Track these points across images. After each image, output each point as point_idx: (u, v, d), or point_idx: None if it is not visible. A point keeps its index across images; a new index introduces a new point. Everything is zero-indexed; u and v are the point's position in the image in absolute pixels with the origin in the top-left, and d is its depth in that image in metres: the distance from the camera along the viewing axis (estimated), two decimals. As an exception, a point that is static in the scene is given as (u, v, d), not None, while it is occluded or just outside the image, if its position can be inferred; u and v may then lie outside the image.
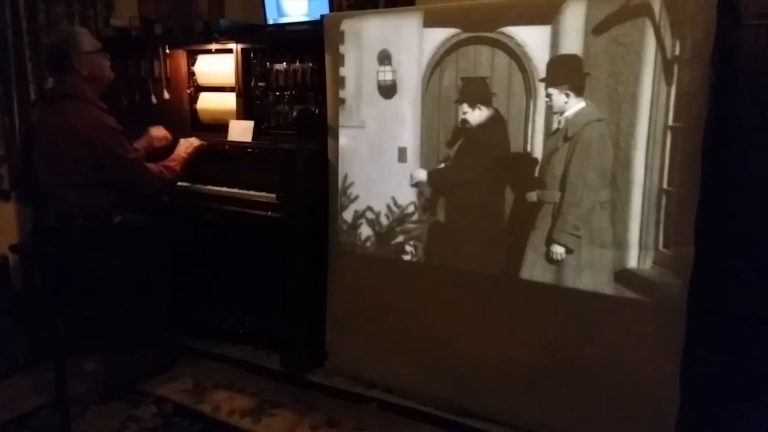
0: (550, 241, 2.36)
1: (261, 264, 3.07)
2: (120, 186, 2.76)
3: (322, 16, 2.80)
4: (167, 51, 3.33)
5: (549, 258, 2.37)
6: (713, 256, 2.13)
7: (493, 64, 2.40)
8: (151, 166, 2.82)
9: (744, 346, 2.22)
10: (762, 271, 2.18)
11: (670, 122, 2.11)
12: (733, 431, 2.25)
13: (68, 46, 2.67)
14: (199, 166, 3.09)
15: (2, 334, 2.99)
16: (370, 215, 2.77)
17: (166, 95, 3.35)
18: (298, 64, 3.01)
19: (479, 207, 2.51)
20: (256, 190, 2.95)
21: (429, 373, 2.65)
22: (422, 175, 2.63)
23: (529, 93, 2.35)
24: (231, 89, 3.20)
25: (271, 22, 3.18)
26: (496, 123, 2.43)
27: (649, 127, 2.13)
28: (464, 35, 2.45)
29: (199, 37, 3.19)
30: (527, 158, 2.37)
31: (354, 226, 2.82)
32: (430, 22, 2.52)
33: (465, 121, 2.50)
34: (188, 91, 3.37)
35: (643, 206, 2.18)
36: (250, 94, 3.17)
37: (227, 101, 3.22)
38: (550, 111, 2.31)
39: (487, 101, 2.44)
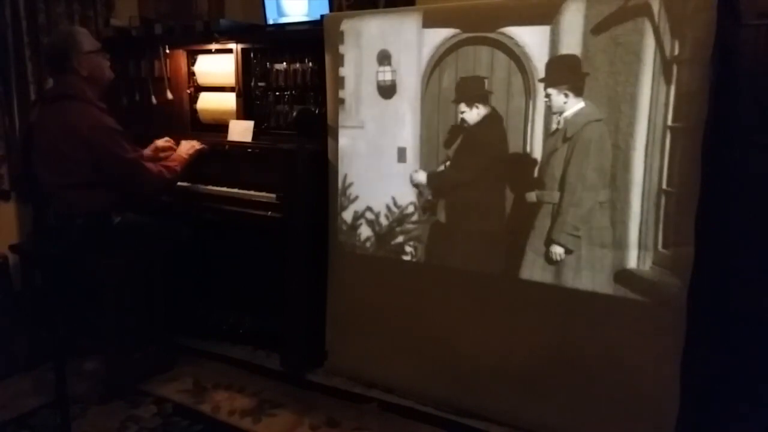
0: (549, 242, 2.36)
1: (261, 264, 3.07)
2: (120, 186, 2.76)
3: (322, 16, 2.80)
4: (167, 51, 3.33)
5: (548, 258, 2.37)
6: (713, 256, 2.13)
7: (493, 65, 2.40)
8: (150, 166, 2.82)
9: (744, 346, 2.22)
10: (762, 271, 2.18)
11: (670, 122, 2.11)
12: (733, 431, 2.25)
13: (68, 46, 2.67)
14: (199, 166, 3.09)
15: (2, 334, 2.99)
16: (369, 215, 2.77)
17: (170, 95, 3.35)
18: (298, 64, 3.01)
19: (479, 207, 2.51)
20: (256, 190, 2.95)
21: (429, 373, 2.65)
22: (422, 177, 2.63)
23: (529, 93, 2.35)
24: (231, 89, 3.19)
25: (271, 22, 3.18)
26: (494, 121, 2.43)
27: (649, 127, 2.13)
28: (464, 35, 2.45)
29: (199, 37, 3.19)
30: (526, 158, 2.37)
31: (354, 226, 2.82)
32: (429, 22, 2.52)
33: (463, 121, 2.50)
34: (188, 91, 3.37)
35: (642, 206, 2.18)
36: (250, 94, 3.17)
37: (227, 101, 3.22)
38: (549, 111, 2.31)
39: (484, 100, 2.44)
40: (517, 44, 2.34)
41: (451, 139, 2.54)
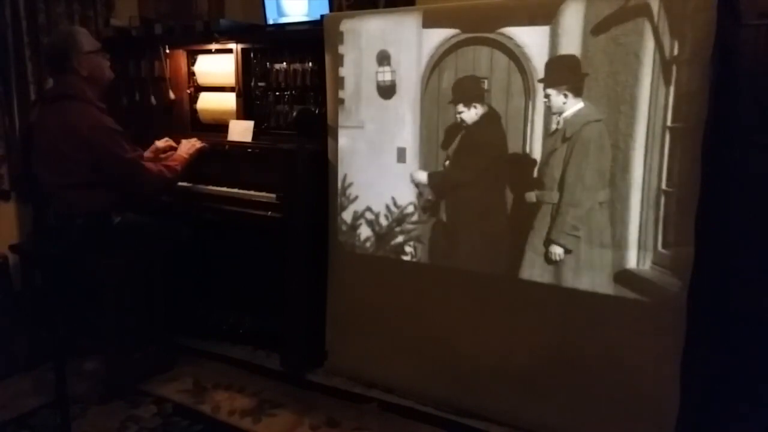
0: (548, 242, 2.36)
1: (261, 264, 3.07)
2: (120, 186, 2.76)
3: (322, 16, 2.80)
4: (167, 51, 3.33)
5: (548, 258, 2.37)
6: (713, 256, 2.13)
7: (492, 65, 2.40)
8: (150, 165, 2.83)
9: (744, 346, 2.21)
10: (762, 271, 2.18)
11: (669, 122, 2.11)
12: (733, 431, 2.25)
13: (68, 46, 2.66)
14: (200, 166, 3.09)
15: (2, 334, 2.99)
16: (369, 216, 2.77)
17: (171, 95, 3.35)
18: (298, 64, 3.01)
19: (479, 207, 2.51)
20: (256, 190, 2.95)
21: (429, 373, 2.65)
22: (422, 177, 2.62)
23: (528, 93, 2.35)
24: (231, 89, 3.20)
25: (271, 22, 3.18)
26: (492, 120, 2.43)
27: (648, 128, 2.13)
28: (463, 36, 2.45)
29: (199, 37, 3.19)
30: (526, 159, 2.37)
31: (353, 226, 2.82)
32: (429, 22, 2.52)
33: (462, 120, 2.50)
34: (188, 91, 3.37)
35: (642, 206, 2.18)
36: (250, 94, 3.17)
37: (227, 101, 3.22)
38: (548, 111, 2.31)
39: (480, 99, 2.44)
40: (516, 44, 2.34)
41: (451, 139, 2.54)
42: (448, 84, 2.51)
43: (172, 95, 3.35)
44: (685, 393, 2.17)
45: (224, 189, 3.05)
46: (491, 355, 2.52)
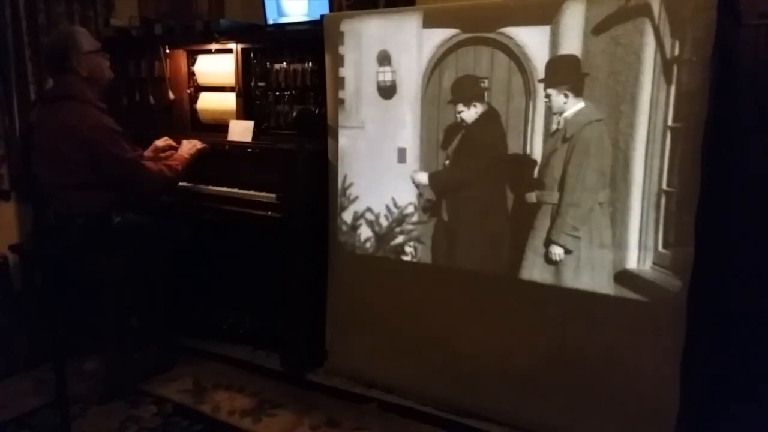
0: (548, 242, 2.36)
1: (261, 264, 3.07)
2: (120, 186, 2.76)
3: (322, 16, 2.80)
4: (167, 51, 3.33)
5: (548, 258, 2.37)
6: (713, 256, 2.13)
7: (493, 65, 2.40)
8: (150, 165, 2.82)
9: (744, 346, 2.22)
10: (762, 271, 2.18)
11: (670, 122, 2.11)
12: (733, 431, 2.25)
13: (68, 46, 2.66)
14: (200, 166, 3.08)
15: (2, 334, 2.99)
16: (369, 216, 2.77)
17: (171, 95, 3.35)
18: (298, 64, 3.01)
19: (479, 207, 2.51)
20: (256, 190, 2.95)
21: (429, 373, 2.65)
22: (423, 177, 2.62)
23: (529, 94, 2.35)
24: (231, 89, 3.19)
25: (271, 22, 3.18)
26: (491, 118, 2.43)
27: (649, 128, 2.13)
28: (464, 36, 2.45)
29: (199, 37, 3.19)
30: (526, 159, 2.37)
31: (354, 227, 2.82)
32: (429, 22, 2.52)
33: (462, 120, 2.50)
34: (188, 91, 3.37)
35: (642, 207, 2.18)
36: (250, 94, 3.17)
37: (227, 101, 3.22)
38: (549, 111, 2.31)
39: (480, 98, 2.45)
40: (517, 44, 2.34)
41: (451, 138, 2.54)
42: (448, 84, 2.51)
43: (172, 95, 3.36)
44: (685, 393, 2.17)
45: (224, 189, 3.05)
46: (491, 355, 2.52)
